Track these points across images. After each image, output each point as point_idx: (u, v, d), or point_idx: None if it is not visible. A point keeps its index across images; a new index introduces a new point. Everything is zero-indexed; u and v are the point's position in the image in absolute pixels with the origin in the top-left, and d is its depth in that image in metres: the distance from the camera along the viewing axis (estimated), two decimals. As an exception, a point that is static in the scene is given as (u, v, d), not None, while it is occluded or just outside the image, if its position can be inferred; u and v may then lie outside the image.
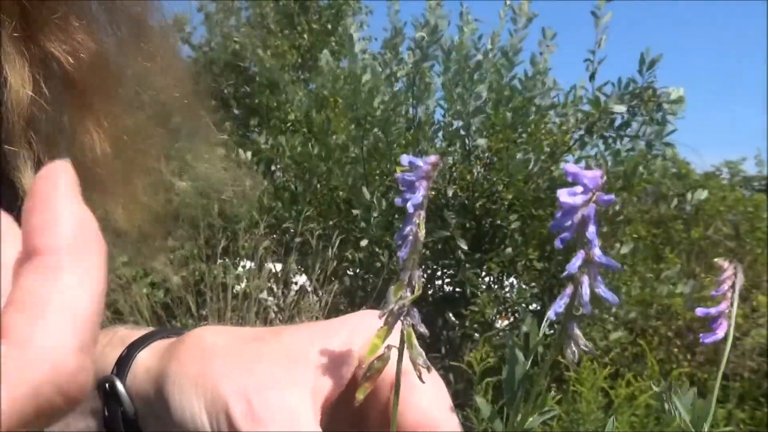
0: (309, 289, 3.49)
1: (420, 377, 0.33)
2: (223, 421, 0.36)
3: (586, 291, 0.30)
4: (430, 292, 3.60)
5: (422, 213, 0.32)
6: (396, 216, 3.37)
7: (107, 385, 0.42)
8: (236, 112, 5.40)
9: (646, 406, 2.54)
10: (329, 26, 5.58)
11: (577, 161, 3.27)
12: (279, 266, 3.70)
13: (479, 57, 3.34)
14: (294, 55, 5.35)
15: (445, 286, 3.56)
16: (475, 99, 3.10)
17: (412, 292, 0.32)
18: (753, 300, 4.14)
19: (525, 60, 3.38)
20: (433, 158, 0.31)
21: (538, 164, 3.14)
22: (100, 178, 0.57)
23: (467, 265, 3.20)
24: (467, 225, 3.26)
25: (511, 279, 3.48)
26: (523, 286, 3.28)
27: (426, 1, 3.17)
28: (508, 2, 3.36)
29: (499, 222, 3.24)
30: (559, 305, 0.31)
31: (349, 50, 3.47)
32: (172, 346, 0.41)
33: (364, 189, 3.21)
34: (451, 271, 3.46)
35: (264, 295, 3.56)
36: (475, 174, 3.36)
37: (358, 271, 3.46)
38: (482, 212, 3.28)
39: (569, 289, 0.31)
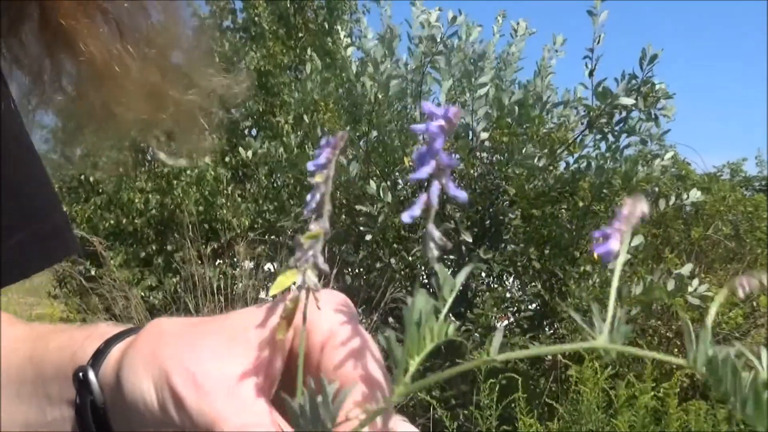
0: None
1: (317, 303, 0.37)
2: (167, 392, 0.37)
3: (435, 192, 0.33)
4: (432, 291, 3.59)
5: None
6: (398, 211, 3.36)
7: (81, 374, 0.43)
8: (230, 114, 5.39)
9: (646, 406, 2.54)
10: (326, 25, 5.58)
11: (577, 161, 3.28)
12: (277, 266, 3.70)
13: (482, 62, 3.38)
14: (290, 55, 5.34)
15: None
16: (479, 88, 3.14)
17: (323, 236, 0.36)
18: (753, 300, 4.14)
19: (524, 67, 3.49)
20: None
21: (542, 160, 3.16)
22: (103, 69, 0.58)
23: (470, 262, 3.19)
24: (470, 221, 3.26)
25: (511, 279, 3.47)
26: (525, 285, 3.28)
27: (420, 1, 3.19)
28: (500, 20, 3.51)
29: (500, 217, 3.24)
30: (414, 210, 0.33)
31: (343, 58, 3.47)
32: (133, 337, 0.43)
33: (372, 182, 3.20)
34: (454, 269, 3.45)
35: (263, 295, 3.56)
36: (479, 169, 3.37)
37: (359, 270, 3.46)
38: (485, 208, 3.28)
39: (422, 195, 0.33)
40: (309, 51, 3.89)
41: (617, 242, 0.35)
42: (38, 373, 0.46)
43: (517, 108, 3.26)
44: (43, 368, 0.46)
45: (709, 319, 0.32)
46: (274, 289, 0.36)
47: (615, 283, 0.33)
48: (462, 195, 0.33)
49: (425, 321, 0.35)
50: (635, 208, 0.35)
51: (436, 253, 0.34)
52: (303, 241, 0.36)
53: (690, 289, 2.72)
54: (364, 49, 3.43)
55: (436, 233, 0.34)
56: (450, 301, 0.37)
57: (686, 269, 2.77)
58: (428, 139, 0.33)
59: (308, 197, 0.36)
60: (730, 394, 0.29)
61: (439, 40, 3.10)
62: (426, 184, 0.34)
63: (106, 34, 0.57)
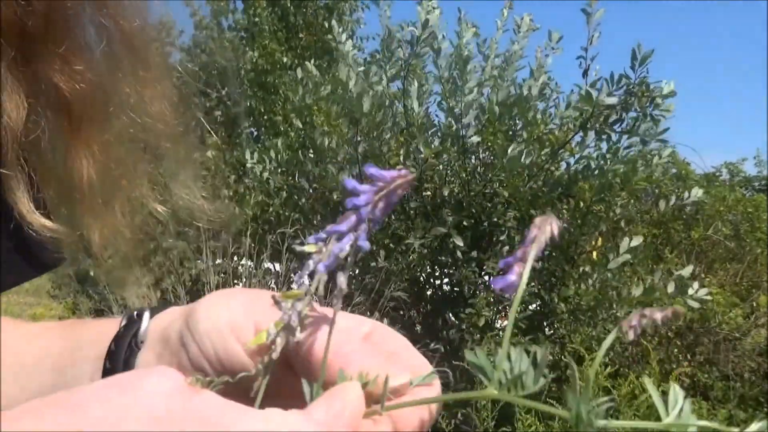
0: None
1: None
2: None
3: (346, 242, 0.36)
4: (429, 293, 3.59)
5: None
6: (392, 216, 3.36)
7: (136, 313, 0.49)
8: (224, 117, 5.39)
9: (648, 406, 2.53)
10: (326, 24, 5.59)
11: (577, 161, 3.27)
12: (278, 266, 3.69)
13: (478, 57, 3.36)
14: (289, 56, 5.34)
15: (443, 286, 3.55)
16: (468, 93, 3.11)
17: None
18: (753, 300, 4.14)
19: (526, 66, 3.44)
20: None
21: (530, 157, 3.14)
22: (82, 202, 0.59)
23: (465, 265, 3.19)
24: (464, 224, 3.25)
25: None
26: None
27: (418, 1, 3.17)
28: (505, 12, 3.44)
29: (496, 220, 3.23)
30: (326, 264, 0.36)
31: (340, 57, 3.45)
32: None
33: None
34: (449, 271, 3.45)
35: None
36: (471, 172, 3.36)
37: (356, 272, 3.45)
38: (479, 210, 3.27)
39: (335, 247, 0.36)
40: (309, 52, 3.88)
41: (518, 274, 0.34)
42: (70, 344, 0.49)
43: (512, 109, 3.24)
44: (79, 337, 0.50)
45: (592, 372, 0.32)
46: (253, 343, 0.39)
47: (512, 318, 0.34)
48: (366, 246, 0.36)
49: None
50: (543, 229, 0.34)
51: (338, 302, 0.37)
52: (281, 299, 0.37)
53: (690, 291, 2.71)
54: (355, 60, 3.41)
55: (343, 280, 0.36)
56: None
57: (687, 271, 2.76)
58: (356, 209, 0.35)
59: (302, 270, 0.37)
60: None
61: (420, 40, 3.07)
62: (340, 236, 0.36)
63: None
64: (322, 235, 0.36)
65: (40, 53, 0.53)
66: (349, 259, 0.36)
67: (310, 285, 0.36)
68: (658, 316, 0.33)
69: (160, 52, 0.64)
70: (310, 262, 0.36)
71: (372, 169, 0.35)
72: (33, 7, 0.51)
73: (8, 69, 0.52)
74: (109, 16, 0.57)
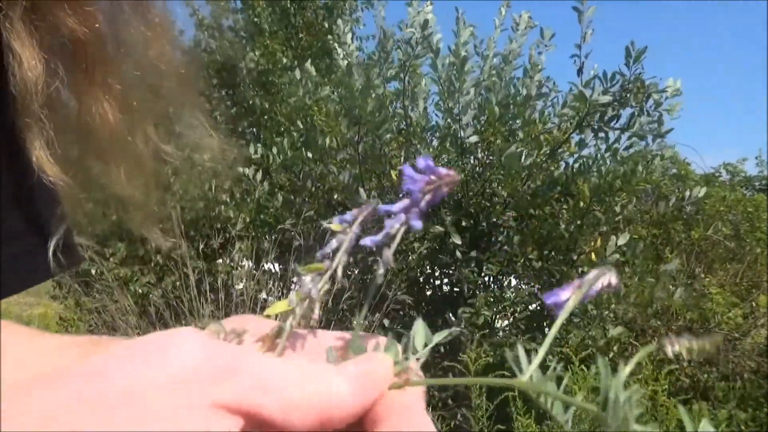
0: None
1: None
2: None
3: (396, 225, 0.37)
4: (428, 293, 3.59)
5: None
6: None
7: None
8: (227, 113, 5.39)
9: (645, 408, 2.53)
10: (326, 24, 5.59)
11: (575, 162, 3.28)
12: (278, 266, 3.70)
13: (476, 57, 3.36)
14: (289, 55, 5.34)
15: (443, 286, 3.55)
16: (465, 94, 3.12)
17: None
18: (753, 300, 4.13)
19: (521, 63, 3.43)
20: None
21: (530, 158, 3.14)
22: (105, 145, 0.59)
23: (464, 264, 3.19)
24: (463, 224, 3.25)
25: (510, 279, 3.47)
26: (522, 286, 3.27)
27: (411, 5, 3.17)
28: (503, 11, 3.43)
29: (494, 219, 3.23)
30: (375, 239, 0.37)
31: (339, 57, 3.45)
32: None
33: (361, 190, 3.20)
34: (449, 271, 3.45)
35: (263, 294, 3.56)
36: (470, 171, 3.36)
37: (356, 271, 3.46)
38: (478, 210, 3.27)
39: (387, 224, 0.37)
40: (309, 53, 3.88)
41: (569, 294, 0.35)
42: None
43: (510, 108, 3.24)
44: None
45: (627, 368, 0.32)
46: (272, 311, 0.38)
47: (554, 331, 0.34)
48: (418, 225, 0.37)
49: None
50: (600, 279, 0.35)
51: (382, 271, 0.37)
52: (302, 271, 0.37)
53: (676, 295, 2.72)
54: (350, 57, 3.41)
55: (389, 256, 0.37)
56: (424, 351, 0.37)
57: (672, 265, 2.77)
58: (410, 196, 0.37)
59: (325, 247, 0.37)
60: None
61: (417, 41, 3.08)
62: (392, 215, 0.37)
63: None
64: (348, 216, 0.37)
65: None
66: (396, 237, 0.37)
67: (330, 263, 0.37)
68: (697, 344, 0.34)
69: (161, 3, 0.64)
70: (333, 241, 0.37)
71: (429, 161, 0.36)
72: None
73: (21, 18, 0.51)
74: None
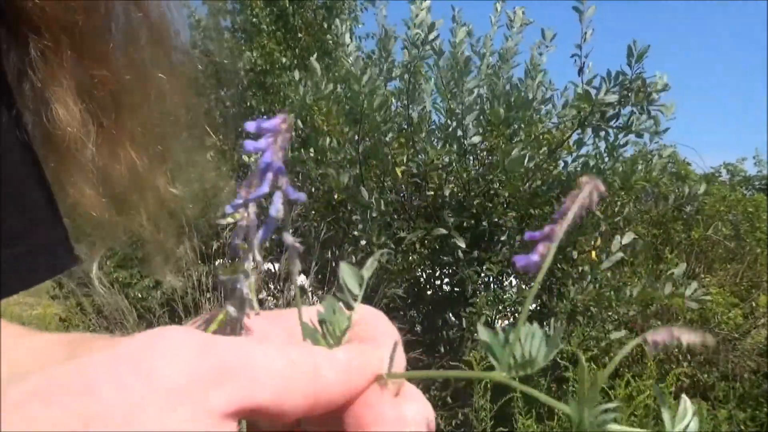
0: (308, 288, 3.48)
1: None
2: None
3: (278, 201, 0.34)
4: (429, 293, 3.59)
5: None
6: (394, 216, 3.36)
7: None
8: (226, 113, 5.38)
9: (645, 406, 2.53)
10: (324, 24, 5.58)
11: (575, 161, 3.28)
12: (278, 266, 3.69)
13: (475, 58, 3.35)
14: (288, 56, 5.33)
15: (444, 286, 3.55)
16: (468, 95, 3.11)
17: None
18: (753, 300, 4.13)
19: (519, 62, 3.42)
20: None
21: (533, 161, 3.14)
22: (128, 189, 0.60)
23: (466, 264, 3.19)
24: (465, 224, 3.25)
25: (511, 278, 3.47)
26: (523, 286, 3.28)
27: (414, 2, 3.16)
28: (498, 7, 3.41)
29: (496, 220, 3.23)
30: (273, 209, 0.34)
31: (343, 55, 3.44)
32: None
33: (363, 189, 3.20)
34: (449, 271, 3.45)
35: (263, 294, 3.56)
36: (472, 172, 3.35)
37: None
38: (479, 210, 3.27)
39: (272, 207, 0.35)
40: (308, 53, 3.87)
41: (541, 255, 0.32)
42: None
43: (503, 111, 3.23)
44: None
45: (605, 374, 0.30)
46: (212, 327, 0.37)
47: (528, 304, 0.32)
48: (301, 196, 0.34)
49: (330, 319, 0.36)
50: (577, 200, 0.31)
51: (298, 265, 0.35)
52: (224, 276, 0.35)
53: (688, 292, 2.71)
54: (350, 57, 3.40)
55: (290, 239, 0.35)
56: (360, 294, 0.37)
57: (680, 270, 2.76)
58: (259, 156, 0.34)
59: (233, 240, 0.35)
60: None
61: (423, 42, 3.07)
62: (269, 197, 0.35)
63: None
64: (238, 201, 0.34)
65: (88, 48, 0.54)
66: (285, 217, 0.34)
67: (243, 256, 0.35)
68: (685, 337, 0.30)
69: (182, 40, 0.66)
70: (239, 231, 0.35)
71: (256, 122, 0.34)
72: (74, 3, 0.52)
73: (61, 68, 0.53)
74: (138, 8, 0.59)
